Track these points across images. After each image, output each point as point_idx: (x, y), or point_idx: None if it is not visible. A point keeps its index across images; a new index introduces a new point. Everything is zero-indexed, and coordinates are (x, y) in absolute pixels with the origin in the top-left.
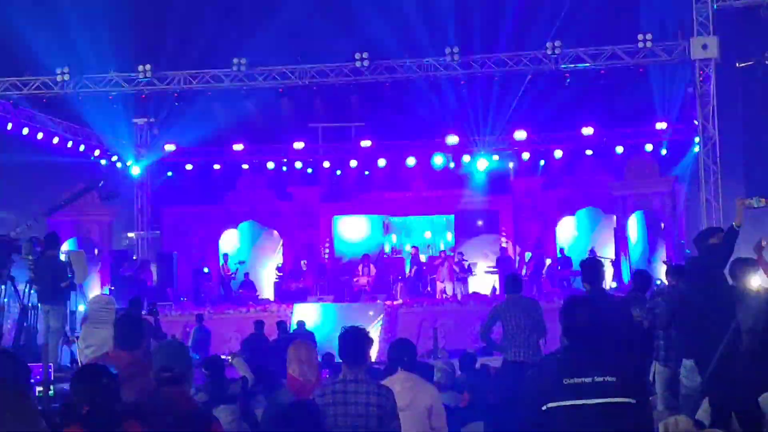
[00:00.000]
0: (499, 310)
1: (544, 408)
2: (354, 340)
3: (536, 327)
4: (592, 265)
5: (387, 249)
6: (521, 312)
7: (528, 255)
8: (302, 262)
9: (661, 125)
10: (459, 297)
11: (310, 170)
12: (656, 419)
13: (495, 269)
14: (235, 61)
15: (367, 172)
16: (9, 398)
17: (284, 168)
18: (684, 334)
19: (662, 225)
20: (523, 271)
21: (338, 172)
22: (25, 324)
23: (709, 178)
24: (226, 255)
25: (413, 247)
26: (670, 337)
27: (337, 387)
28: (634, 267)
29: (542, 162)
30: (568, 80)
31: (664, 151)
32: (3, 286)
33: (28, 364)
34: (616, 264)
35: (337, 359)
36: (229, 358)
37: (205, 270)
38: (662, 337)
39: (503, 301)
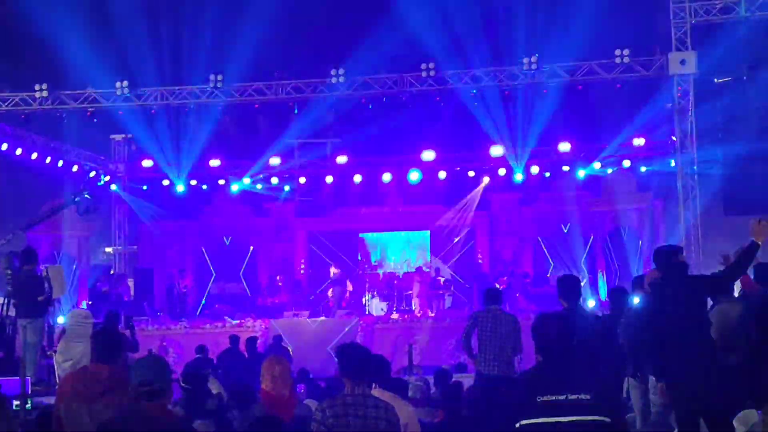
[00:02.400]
0: (478, 317)
1: (517, 425)
2: (358, 356)
3: (510, 341)
4: (568, 282)
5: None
6: (498, 324)
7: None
8: (277, 277)
9: (638, 141)
10: (434, 313)
11: (287, 188)
12: None
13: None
14: (212, 77)
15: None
16: None
17: (259, 186)
18: (652, 353)
19: (639, 242)
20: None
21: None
22: (2, 338)
23: (687, 194)
24: (182, 270)
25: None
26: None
27: (347, 400)
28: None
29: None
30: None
31: (643, 168)
32: None
33: None
34: (593, 282)
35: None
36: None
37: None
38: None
39: (482, 309)
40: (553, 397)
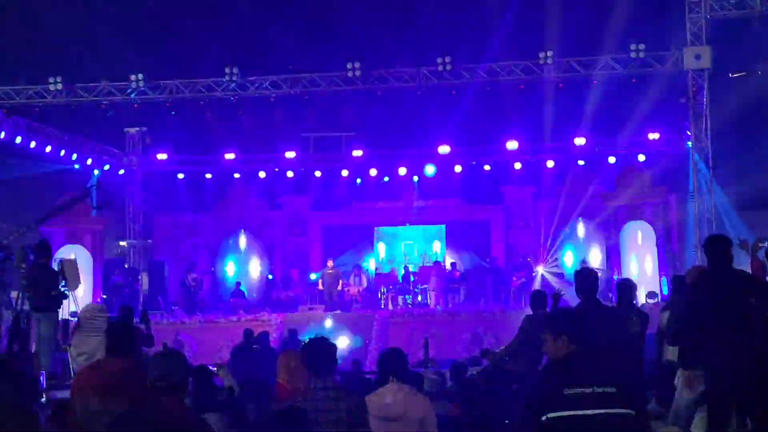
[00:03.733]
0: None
1: (544, 418)
2: (319, 349)
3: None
4: (585, 276)
5: (379, 258)
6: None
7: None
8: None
9: (653, 135)
10: (450, 307)
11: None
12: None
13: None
14: (227, 70)
15: (359, 180)
16: (9, 415)
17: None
18: (695, 343)
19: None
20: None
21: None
22: (17, 332)
23: (701, 188)
24: (191, 264)
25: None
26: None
27: (305, 395)
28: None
29: None
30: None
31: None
32: None
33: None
34: (608, 277)
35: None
36: (216, 368)
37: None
38: None
39: (532, 315)
40: (580, 390)
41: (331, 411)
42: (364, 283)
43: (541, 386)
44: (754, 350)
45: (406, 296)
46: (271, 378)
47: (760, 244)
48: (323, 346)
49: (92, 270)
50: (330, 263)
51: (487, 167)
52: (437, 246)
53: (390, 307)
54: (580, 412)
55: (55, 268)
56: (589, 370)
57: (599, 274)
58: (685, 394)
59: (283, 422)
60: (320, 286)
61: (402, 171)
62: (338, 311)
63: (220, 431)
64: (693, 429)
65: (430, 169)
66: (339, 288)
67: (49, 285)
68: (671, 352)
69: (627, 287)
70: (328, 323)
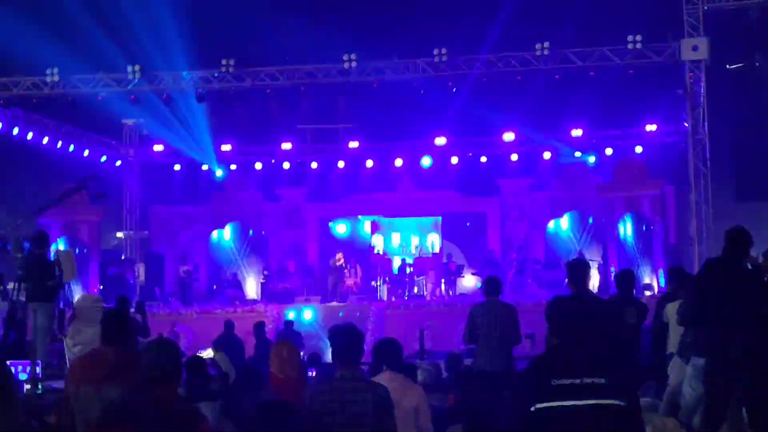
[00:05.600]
0: (475, 311)
1: (532, 409)
2: (347, 337)
3: (508, 333)
4: (578, 266)
5: (377, 250)
6: (494, 316)
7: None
8: (288, 262)
9: (650, 127)
10: (446, 298)
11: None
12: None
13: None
14: (224, 61)
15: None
16: None
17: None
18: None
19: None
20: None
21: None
22: (13, 322)
23: (699, 180)
24: (184, 255)
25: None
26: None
27: (333, 384)
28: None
29: None
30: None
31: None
32: None
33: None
34: (604, 268)
35: (324, 359)
36: (213, 351)
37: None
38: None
39: (480, 303)
40: (569, 381)
41: (357, 402)
42: (360, 275)
43: (529, 377)
44: (756, 342)
45: (402, 288)
46: (266, 368)
47: None
48: (350, 333)
49: (89, 261)
50: (339, 255)
51: (483, 159)
52: (433, 237)
53: (386, 298)
54: (568, 403)
55: (51, 259)
56: (580, 361)
57: (594, 265)
58: (689, 389)
59: (269, 415)
60: (330, 278)
61: (398, 162)
62: (334, 302)
63: (213, 420)
64: (695, 420)
65: (426, 161)
66: (360, 276)
67: (45, 276)
68: (672, 344)
69: (625, 278)
70: (308, 315)
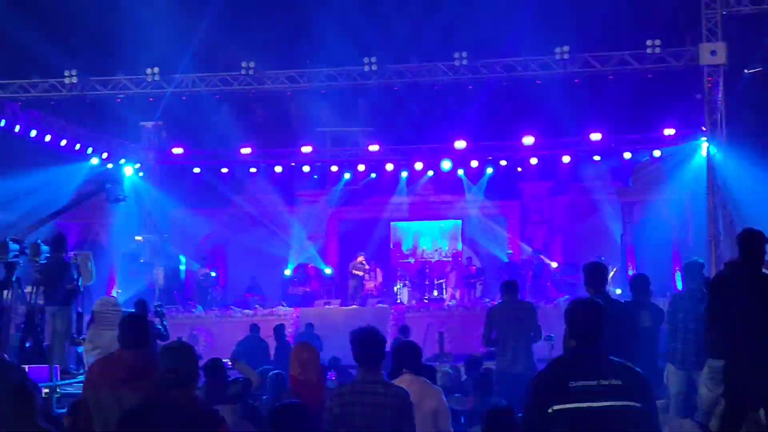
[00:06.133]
0: (493, 313)
1: (549, 411)
2: (367, 340)
3: (528, 331)
4: (595, 269)
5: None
6: (513, 317)
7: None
8: (309, 265)
9: (669, 131)
10: (466, 301)
11: (315, 177)
12: (665, 422)
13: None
14: (244, 64)
15: (373, 175)
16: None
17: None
18: (721, 332)
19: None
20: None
21: (347, 176)
22: (31, 326)
23: (717, 184)
24: (202, 259)
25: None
26: (688, 340)
27: (355, 387)
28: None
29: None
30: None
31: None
32: (8, 289)
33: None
34: (622, 272)
35: (344, 362)
36: (231, 363)
37: (212, 273)
38: (680, 341)
39: (497, 304)
40: (586, 383)
41: (378, 405)
42: (380, 278)
43: (546, 379)
44: None
45: (422, 291)
46: (286, 371)
47: None
48: (372, 337)
49: (107, 265)
50: (360, 258)
51: (503, 162)
52: (454, 241)
53: (406, 301)
54: (585, 405)
55: (70, 262)
56: (596, 363)
57: (612, 269)
58: (705, 390)
59: (287, 417)
60: (351, 282)
61: (418, 166)
62: (355, 305)
63: (233, 423)
64: (713, 422)
65: (446, 165)
66: (380, 280)
67: (63, 279)
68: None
69: (640, 282)
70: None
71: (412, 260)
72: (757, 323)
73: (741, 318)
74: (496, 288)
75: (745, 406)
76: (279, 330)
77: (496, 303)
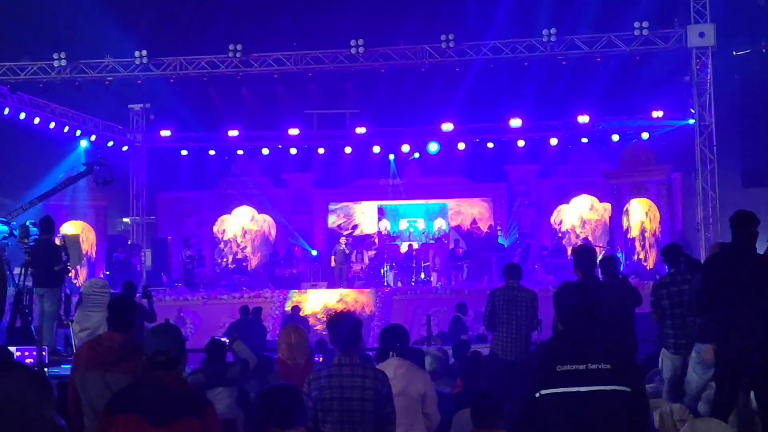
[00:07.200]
0: (495, 296)
1: (537, 395)
2: (344, 324)
3: (527, 319)
4: (584, 252)
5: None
6: (514, 301)
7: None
8: (295, 248)
9: (657, 113)
10: (453, 284)
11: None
12: (656, 407)
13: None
14: (231, 47)
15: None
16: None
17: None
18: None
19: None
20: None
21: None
22: (20, 307)
23: (705, 166)
24: (186, 239)
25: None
26: (676, 325)
27: (332, 371)
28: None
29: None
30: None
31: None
32: None
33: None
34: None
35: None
36: (228, 341)
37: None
38: (670, 326)
39: (500, 287)
40: (573, 367)
41: (357, 387)
42: (366, 260)
43: (534, 363)
44: (765, 330)
45: (409, 273)
46: (268, 353)
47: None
48: (348, 320)
49: (95, 246)
50: (343, 240)
51: (490, 145)
52: (440, 223)
53: (392, 284)
54: (572, 389)
55: (57, 244)
56: (584, 347)
57: (600, 252)
58: (694, 375)
59: (275, 399)
60: (332, 263)
61: (405, 148)
62: (341, 287)
63: (230, 405)
64: (700, 406)
65: (433, 147)
66: (367, 262)
67: (51, 261)
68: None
69: (609, 264)
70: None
71: (398, 242)
72: (754, 303)
73: (736, 298)
74: (483, 271)
75: (736, 389)
76: (255, 312)
77: (498, 286)
